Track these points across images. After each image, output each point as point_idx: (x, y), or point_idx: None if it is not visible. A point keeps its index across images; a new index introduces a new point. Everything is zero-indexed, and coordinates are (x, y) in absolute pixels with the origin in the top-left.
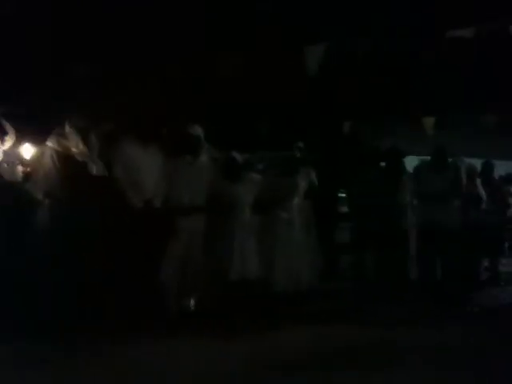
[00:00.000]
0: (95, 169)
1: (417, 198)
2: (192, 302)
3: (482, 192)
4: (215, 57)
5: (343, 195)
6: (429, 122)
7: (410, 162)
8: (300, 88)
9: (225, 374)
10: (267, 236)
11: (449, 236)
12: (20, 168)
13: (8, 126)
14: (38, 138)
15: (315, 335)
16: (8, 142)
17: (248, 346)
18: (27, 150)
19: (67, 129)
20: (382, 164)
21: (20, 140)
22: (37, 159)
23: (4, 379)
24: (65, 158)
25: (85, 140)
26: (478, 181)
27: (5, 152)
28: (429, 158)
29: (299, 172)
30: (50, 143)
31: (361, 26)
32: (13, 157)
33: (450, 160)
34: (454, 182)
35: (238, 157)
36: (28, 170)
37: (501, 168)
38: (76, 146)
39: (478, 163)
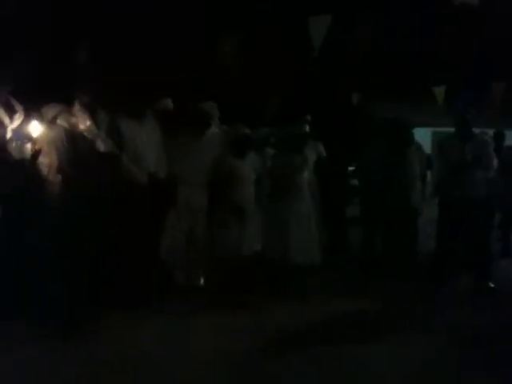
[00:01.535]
0: (103, 146)
1: (441, 169)
2: (200, 277)
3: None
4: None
5: (352, 168)
6: (440, 93)
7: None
8: (307, 63)
9: (234, 351)
10: (277, 211)
11: (474, 207)
12: (29, 146)
13: (16, 104)
14: (46, 116)
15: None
16: (17, 121)
17: (256, 320)
18: (36, 128)
19: (76, 106)
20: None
21: (28, 118)
22: (45, 137)
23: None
24: (73, 136)
25: (93, 117)
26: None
27: (13, 130)
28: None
29: (307, 145)
30: (58, 121)
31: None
32: (21, 135)
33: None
34: (480, 152)
35: (249, 132)
36: (37, 147)
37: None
38: (84, 123)
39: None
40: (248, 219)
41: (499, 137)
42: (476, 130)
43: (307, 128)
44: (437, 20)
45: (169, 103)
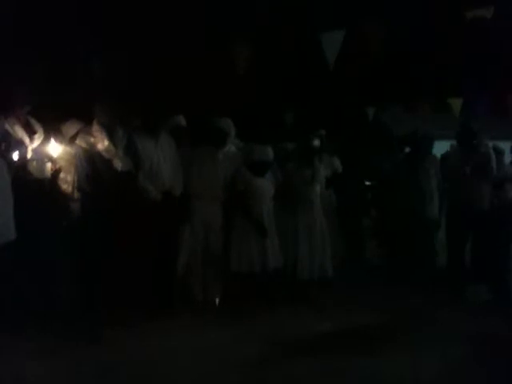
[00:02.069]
0: (121, 165)
1: (446, 180)
2: (214, 293)
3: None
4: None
5: (368, 183)
6: (456, 104)
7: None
8: (322, 77)
9: (249, 364)
10: (291, 226)
11: (480, 218)
12: (49, 165)
13: (36, 124)
14: (65, 136)
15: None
16: (37, 140)
17: (271, 333)
18: (55, 148)
19: (94, 126)
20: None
21: (48, 138)
22: (64, 156)
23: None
24: (91, 156)
25: (111, 137)
26: (507, 161)
27: (34, 150)
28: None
29: (322, 160)
30: (77, 141)
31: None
32: (41, 154)
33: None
34: (484, 163)
35: (270, 151)
36: (56, 167)
37: None
38: (102, 143)
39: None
40: (267, 235)
41: None
42: (486, 142)
43: (319, 142)
44: (451, 31)
45: (183, 120)
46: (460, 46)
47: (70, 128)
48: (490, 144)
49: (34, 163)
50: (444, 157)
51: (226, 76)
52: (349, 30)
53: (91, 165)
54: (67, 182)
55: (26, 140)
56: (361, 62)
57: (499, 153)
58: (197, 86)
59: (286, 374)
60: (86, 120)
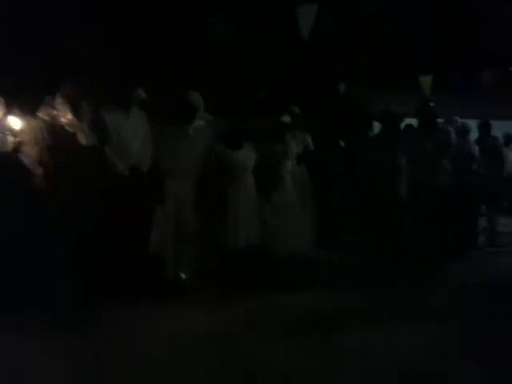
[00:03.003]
0: (85, 139)
1: (407, 160)
2: (188, 270)
3: (476, 151)
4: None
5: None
6: (426, 82)
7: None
8: (293, 52)
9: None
10: (264, 202)
11: (440, 198)
12: (10, 139)
13: None
14: (28, 109)
15: (311, 299)
16: None
17: (245, 311)
18: (17, 121)
19: (57, 99)
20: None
21: (10, 110)
22: (27, 130)
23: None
24: (54, 128)
25: (76, 110)
26: (472, 140)
27: None
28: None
29: (294, 137)
30: (40, 113)
31: None
32: (2, 127)
33: (439, 120)
34: (442, 143)
35: (240, 125)
36: (18, 140)
37: (502, 128)
38: (66, 116)
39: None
40: (242, 210)
41: (483, 127)
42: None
43: (290, 119)
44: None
45: (154, 93)
46: (430, 23)
47: (32, 101)
48: (459, 122)
49: None
50: (406, 135)
51: (196, 49)
52: (323, 3)
53: (54, 138)
54: (29, 155)
55: None
56: (334, 38)
57: (465, 131)
58: (166, 59)
59: (265, 352)
60: (50, 93)
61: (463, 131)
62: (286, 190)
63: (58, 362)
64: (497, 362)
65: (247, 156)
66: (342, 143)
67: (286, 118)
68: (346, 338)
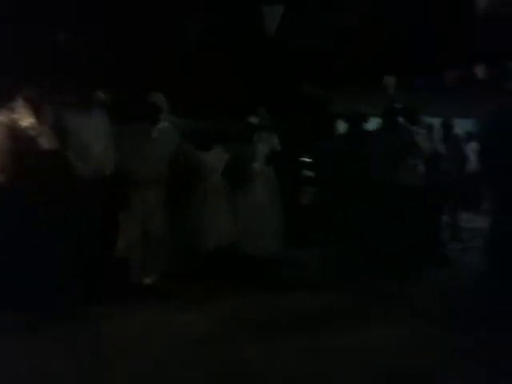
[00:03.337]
0: (47, 142)
1: (372, 159)
2: (156, 273)
3: (440, 149)
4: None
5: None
6: (390, 81)
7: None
8: (259, 53)
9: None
10: (232, 203)
11: (406, 194)
12: None
13: None
14: None
15: (281, 299)
16: None
17: (216, 311)
18: None
19: (18, 102)
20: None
21: None
22: None
23: None
24: (14, 133)
25: (37, 113)
26: (436, 138)
27: None
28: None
29: (260, 138)
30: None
31: None
32: None
33: (400, 119)
34: (407, 142)
35: (209, 126)
36: None
37: (463, 126)
38: (27, 120)
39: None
40: (211, 212)
41: (445, 125)
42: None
43: (258, 120)
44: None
45: (115, 95)
46: (393, 23)
47: None
48: (423, 120)
49: None
50: (374, 134)
51: (160, 49)
52: (288, 5)
53: (14, 143)
54: None
55: None
56: (300, 37)
57: (428, 129)
58: (130, 59)
59: (238, 354)
60: (10, 96)
61: (427, 130)
62: (255, 190)
63: (20, 364)
64: (470, 358)
65: (216, 157)
66: (308, 143)
67: (254, 120)
68: (320, 338)
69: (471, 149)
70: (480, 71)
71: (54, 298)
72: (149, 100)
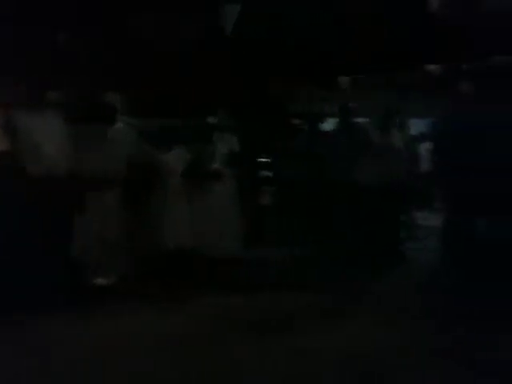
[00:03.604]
0: None
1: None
2: (113, 275)
3: (396, 148)
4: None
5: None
6: (344, 81)
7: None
8: (218, 52)
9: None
10: (191, 203)
11: (363, 194)
12: None
13: None
14: None
15: (239, 301)
16: None
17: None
18: None
19: None
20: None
21: None
22: None
23: None
24: None
25: None
26: (391, 137)
27: None
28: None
29: (221, 138)
30: None
31: None
32: None
33: (356, 119)
34: (363, 141)
35: (168, 126)
36: None
37: (417, 126)
38: None
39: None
40: (171, 213)
41: (401, 125)
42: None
43: (217, 120)
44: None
45: (68, 95)
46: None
47: None
48: (379, 119)
49: None
50: (331, 134)
51: (115, 48)
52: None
53: None
54: None
55: None
56: (258, 38)
57: (384, 128)
58: (84, 58)
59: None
60: None
61: (383, 129)
62: (215, 191)
63: None
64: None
65: (175, 158)
66: (267, 144)
67: (213, 120)
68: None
69: (425, 148)
70: (433, 72)
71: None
72: (104, 100)
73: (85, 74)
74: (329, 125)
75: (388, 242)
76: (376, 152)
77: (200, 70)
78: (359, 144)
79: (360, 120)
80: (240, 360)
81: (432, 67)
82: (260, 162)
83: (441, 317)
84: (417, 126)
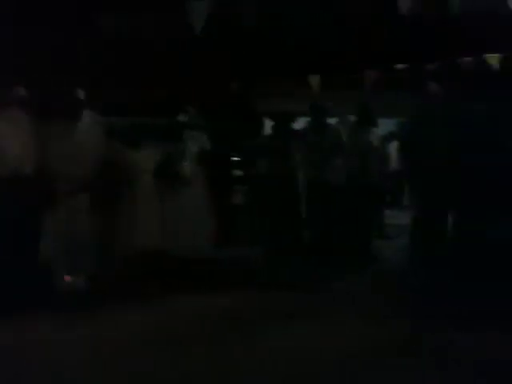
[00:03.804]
0: None
1: (303, 156)
2: (82, 275)
3: (365, 148)
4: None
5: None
6: (315, 81)
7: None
8: (187, 51)
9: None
10: (162, 203)
11: (333, 193)
12: None
13: None
14: None
15: (210, 301)
16: None
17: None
18: None
19: None
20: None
21: None
22: None
23: None
24: None
25: None
26: (360, 137)
27: None
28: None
29: (189, 137)
30: None
31: None
32: None
33: (328, 118)
34: (334, 141)
35: (138, 124)
36: None
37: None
38: None
39: None
40: (142, 212)
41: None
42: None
43: (187, 119)
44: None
45: (32, 92)
46: (320, 24)
47: None
48: (349, 120)
49: None
50: (301, 133)
51: (83, 45)
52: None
53: None
54: None
55: None
56: (227, 35)
57: (354, 129)
58: (50, 54)
59: (167, 357)
60: None
61: (353, 130)
62: (186, 190)
63: None
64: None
65: (146, 156)
66: (237, 142)
67: (183, 118)
68: (254, 339)
69: (393, 148)
70: (402, 72)
71: None
72: (70, 97)
73: (52, 71)
74: (300, 124)
75: (359, 240)
76: (347, 151)
77: (170, 69)
78: (330, 143)
79: (331, 119)
80: (210, 359)
81: (401, 67)
82: (231, 161)
83: (411, 316)
84: (386, 125)
